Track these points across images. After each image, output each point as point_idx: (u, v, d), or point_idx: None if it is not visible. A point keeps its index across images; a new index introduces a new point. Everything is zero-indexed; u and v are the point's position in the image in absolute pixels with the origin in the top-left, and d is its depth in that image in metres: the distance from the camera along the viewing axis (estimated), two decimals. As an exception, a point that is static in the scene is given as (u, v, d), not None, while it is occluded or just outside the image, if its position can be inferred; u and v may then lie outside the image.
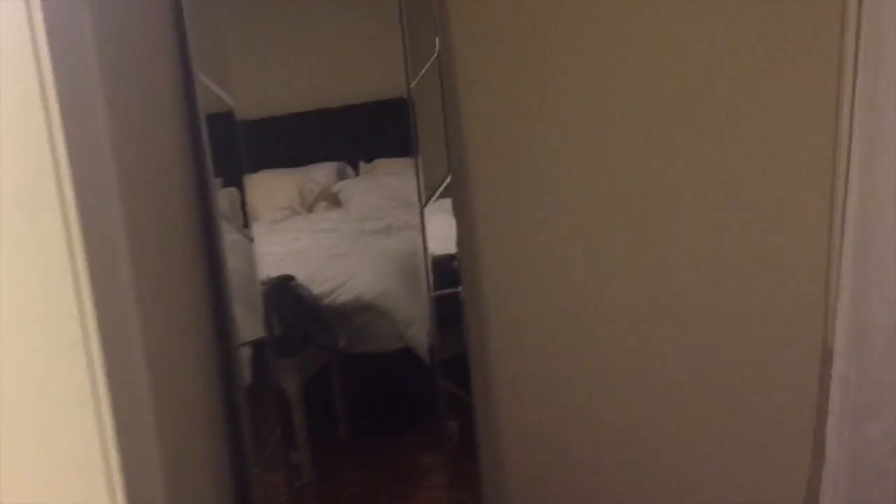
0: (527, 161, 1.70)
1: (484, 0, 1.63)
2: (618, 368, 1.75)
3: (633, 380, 1.75)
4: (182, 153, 1.44)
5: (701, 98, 1.60)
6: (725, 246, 1.66)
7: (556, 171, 1.69)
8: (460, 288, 1.73)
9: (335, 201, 2.09)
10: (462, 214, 1.71)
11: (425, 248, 1.72)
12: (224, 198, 1.58)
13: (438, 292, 1.69)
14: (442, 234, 1.81)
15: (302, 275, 1.80)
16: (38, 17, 0.90)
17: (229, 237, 1.46)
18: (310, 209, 2.08)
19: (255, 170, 2.00)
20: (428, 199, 1.71)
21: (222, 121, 1.55)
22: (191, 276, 1.42)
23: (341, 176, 2.10)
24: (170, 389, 1.24)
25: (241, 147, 1.61)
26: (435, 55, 1.65)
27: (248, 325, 1.56)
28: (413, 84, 1.66)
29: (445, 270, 1.77)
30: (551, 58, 1.64)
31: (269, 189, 2.09)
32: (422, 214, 1.74)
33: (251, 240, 1.50)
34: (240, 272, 1.52)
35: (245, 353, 1.54)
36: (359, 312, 1.79)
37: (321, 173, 2.11)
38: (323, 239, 1.97)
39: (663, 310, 1.71)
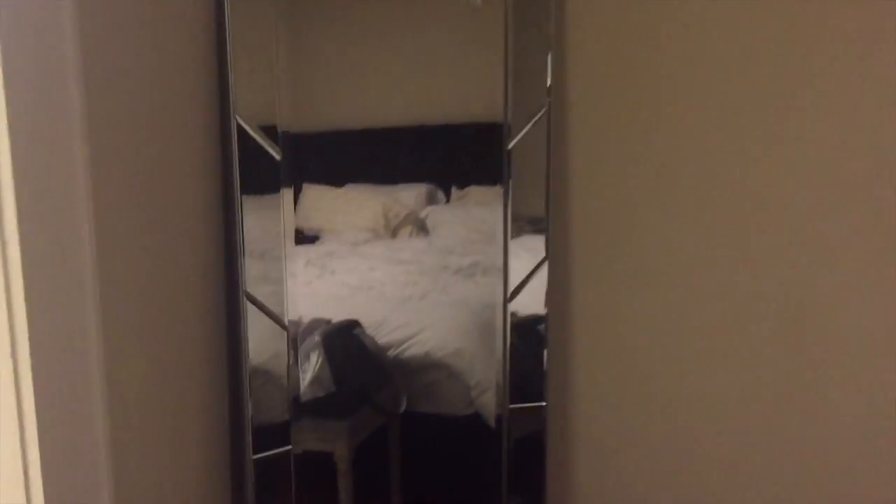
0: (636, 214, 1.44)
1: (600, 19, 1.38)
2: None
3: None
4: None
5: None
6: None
7: (669, 235, 1.42)
8: (545, 354, 1.51)
9: (421, 227, 1.90)
10: (556, 263, 1.48)
11: (505, 298, 1.51)
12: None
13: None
14: (535, 286, 1.59)
15: (369, 318, 1.62)
16: None
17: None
18: (394, 234, 1.90)
19: (340, 184, 1.86)
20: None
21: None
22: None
23: (431, 200, 1.90)
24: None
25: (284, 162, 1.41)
26: (547, 83, 1.42)
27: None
28: (511, 109, 1.46)
29: (530, 332, 1.55)
30: (669, 100, 1.38)
31: (354, 206, 1.94)
32: (505, 253, 1.52)
33: (285, 329, 1.31)
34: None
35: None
36: (427, 370, 1.60)
37: (410, 195, 1.93)
38: (401, 273, 1.78)
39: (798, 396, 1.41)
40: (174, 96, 1.12)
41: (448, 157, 1.83)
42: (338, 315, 1.60)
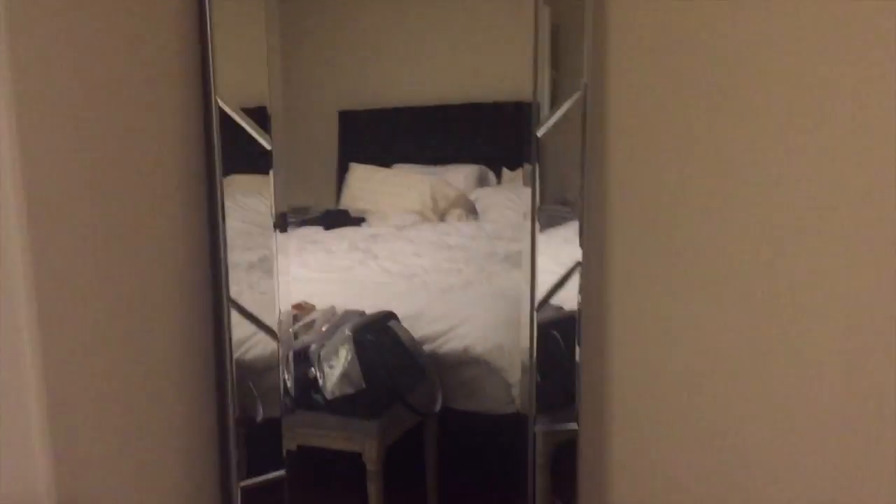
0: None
1: None
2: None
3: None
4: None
5: None
6: None
7: (716, 233, 1.28)
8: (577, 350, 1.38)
9: (471, 210, 1.80)
10: (591, 263, 1.35)
11: (532, 306, 1.40)
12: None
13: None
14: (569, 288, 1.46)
15: (407, 309, 1.54)
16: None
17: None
18: (442, 217, 1.81)
19: (388, 164, 1.80)
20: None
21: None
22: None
23: (482, 182, 1.81)
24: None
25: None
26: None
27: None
28: (539, 91, 1.35)
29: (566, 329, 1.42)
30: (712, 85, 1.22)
31: (402, 188, 1.87)
32: (533, 259, 1.40)
33: (277, 341, 1.20)
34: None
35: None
36: (465, 366, 1.51)
37: (459, 177, 1.84)
38: (445, 260, 1.70)
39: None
40: (149, 76, 1.04)
41: (499, 136, 1.73)
42: (374, 305, 1.54)
